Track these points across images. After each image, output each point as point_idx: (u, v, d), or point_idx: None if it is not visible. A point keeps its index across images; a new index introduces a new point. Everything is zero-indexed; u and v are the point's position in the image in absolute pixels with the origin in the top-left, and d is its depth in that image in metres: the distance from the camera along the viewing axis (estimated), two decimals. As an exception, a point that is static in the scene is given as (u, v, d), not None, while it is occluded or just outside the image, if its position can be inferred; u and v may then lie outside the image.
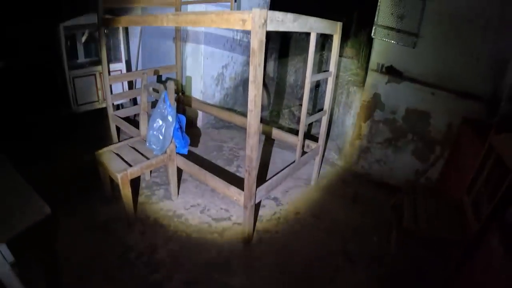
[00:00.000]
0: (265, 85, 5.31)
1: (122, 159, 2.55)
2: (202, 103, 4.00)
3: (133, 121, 4.12)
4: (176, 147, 2.67)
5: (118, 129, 3.68)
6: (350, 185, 3.29)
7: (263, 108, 5.06)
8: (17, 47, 4.45)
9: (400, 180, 3.23)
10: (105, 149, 2.66)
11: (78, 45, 4.26)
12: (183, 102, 4.19)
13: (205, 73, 4.11)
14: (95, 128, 4.00)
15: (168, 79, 3.76)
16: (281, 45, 5.85)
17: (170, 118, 2.46)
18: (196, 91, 4.21)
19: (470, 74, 2.83)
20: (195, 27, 2.14)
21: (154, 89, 2.65)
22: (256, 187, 2.22)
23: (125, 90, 4.28)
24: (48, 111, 4.25)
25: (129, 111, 3.89)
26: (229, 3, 3.54)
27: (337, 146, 4.02)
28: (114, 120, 3.58)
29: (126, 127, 3.37)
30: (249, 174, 2.02)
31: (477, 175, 2.10)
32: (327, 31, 2.59)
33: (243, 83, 4.73)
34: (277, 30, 1.84)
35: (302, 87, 5.24)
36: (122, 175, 2.31)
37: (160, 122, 2.50)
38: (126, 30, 4.52)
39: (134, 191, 2.74)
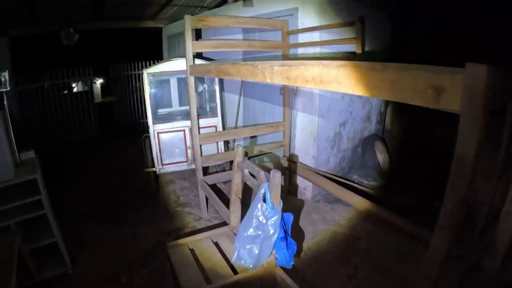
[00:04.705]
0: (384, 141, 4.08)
1: (199, 264, 1.84)
2: (313, 173, 3.00)
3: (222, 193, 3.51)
4: (276, 259, 1.77)
5: (207, 198, 3.03)
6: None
7: (376, 174, 3.72)
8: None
9: None
10: (180, 241, 2.06)
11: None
12: (290, 169, 3.29)
13: (319, 134, 3.19)
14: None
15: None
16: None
17: (271, 227, 1.52)
18: (307, 156, 3.29)
19: None
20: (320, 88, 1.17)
21: (251, 173, 1.77)
22: None
23: (220, 150, 3.61)
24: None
25: (220, 177, 3.26)
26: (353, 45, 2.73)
27: None
28: (203, 187, 2.96)
29: (215, 201, 2.69)
30: None
31: None
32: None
33: (362, 144, 3.76)
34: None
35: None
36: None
37: (257, 231, 1.63)
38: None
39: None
